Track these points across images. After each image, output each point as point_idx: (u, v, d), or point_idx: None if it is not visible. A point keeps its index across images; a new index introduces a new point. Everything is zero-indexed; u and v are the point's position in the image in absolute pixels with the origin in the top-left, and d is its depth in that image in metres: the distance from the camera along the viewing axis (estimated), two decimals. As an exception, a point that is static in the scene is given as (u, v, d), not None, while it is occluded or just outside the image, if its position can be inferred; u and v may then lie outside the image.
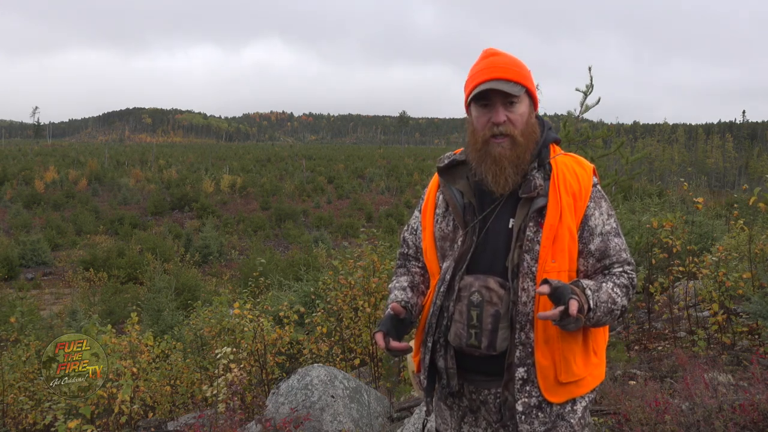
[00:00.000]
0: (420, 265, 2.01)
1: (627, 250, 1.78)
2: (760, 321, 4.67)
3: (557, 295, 1.56)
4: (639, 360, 4.87)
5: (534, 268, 1.69)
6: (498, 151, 1.73)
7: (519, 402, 1.70)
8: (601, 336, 1.83)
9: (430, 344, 1.83)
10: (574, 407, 1.76)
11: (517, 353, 1.70)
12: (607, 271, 1.74)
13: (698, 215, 9.53)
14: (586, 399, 1.79)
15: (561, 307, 1.53)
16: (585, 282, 1.65)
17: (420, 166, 61.88)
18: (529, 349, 1.70)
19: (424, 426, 1.98)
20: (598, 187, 1.80)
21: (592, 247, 1.74)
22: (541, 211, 1.72)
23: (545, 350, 1.70)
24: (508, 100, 1.73)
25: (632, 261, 1.77)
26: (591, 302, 1.61)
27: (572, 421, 1.75)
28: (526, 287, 1.70)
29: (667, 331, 5.73)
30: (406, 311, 1.82)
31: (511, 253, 1.72)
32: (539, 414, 1.72)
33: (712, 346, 4.99)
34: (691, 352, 4.69)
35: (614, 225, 1.77)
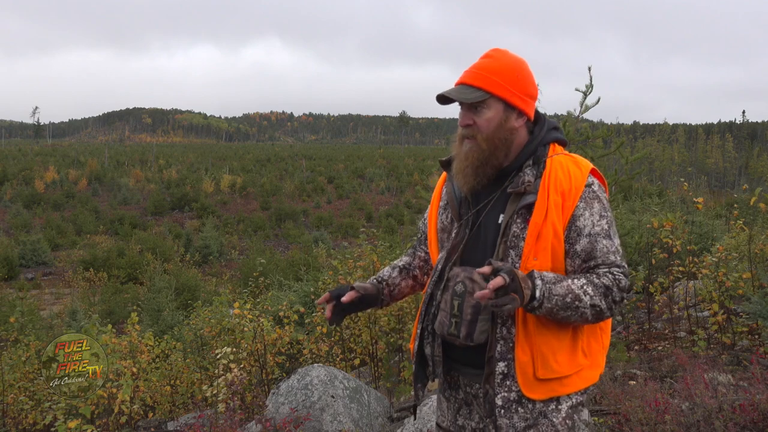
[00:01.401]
0: (427, 251, 2.09)
1: (618, 253, 1.72)
2: (760, 321, 4.67)
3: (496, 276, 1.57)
4: (639, 360, 4.87)
5: (518, 264, 1.70)
6: (465, 151, 1.79)
7: (498, 396, 1.71)
8: (594, 337, 1.80)
9: (419, 331, 1.90)
10: (559, 406, 1.74)
11: (498, 347, 1.71)
12: (591, 272, 1.70)
13: (698, 215, 9.53)
14: (573, 399, 1.76)
15: (485, 291, 1.52)
16: (541, 273, 1.63)
17: (420, 166, 61.87)
18: (510, 344, 1.71)
19: (415, 411, 2.05)
20: (594, 188, 1.74)
21: (578, 247, 1.71)
22: (530, 208, 1.72)
23: (525, 345, 1.70)
24: (473, 104, 1.76)
25: (623, 264, 1.71)
26: (537, 292, 1.59)
27: (555, 420, 1.73)
28: None
29: (667, 331, 5.74)
30: (370, 287, 1.96)
31: (497, 248, 1.74)
32: (519, 409, 1.71)
33: (712, 346, 4.99)
34: (691, 352, 4.69)
35: (605, 227, 1.72)
